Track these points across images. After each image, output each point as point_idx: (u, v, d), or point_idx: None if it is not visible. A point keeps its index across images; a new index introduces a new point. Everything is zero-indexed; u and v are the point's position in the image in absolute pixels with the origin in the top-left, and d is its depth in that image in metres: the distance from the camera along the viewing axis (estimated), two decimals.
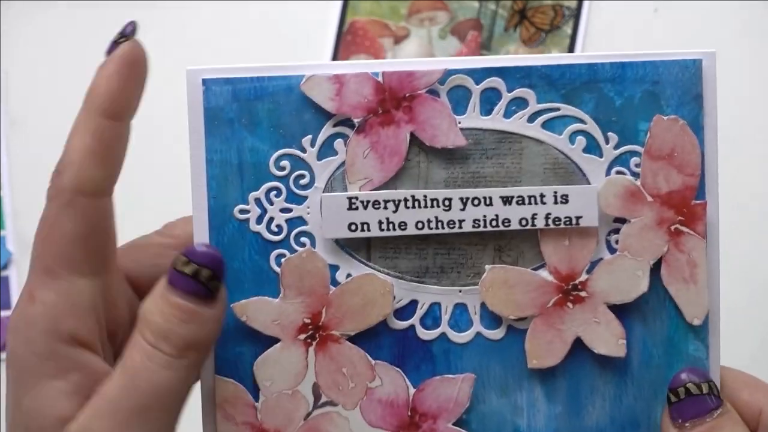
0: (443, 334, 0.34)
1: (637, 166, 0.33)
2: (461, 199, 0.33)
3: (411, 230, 0.33)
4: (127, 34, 0.32)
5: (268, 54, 0.83)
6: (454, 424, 0.34)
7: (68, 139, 0.32)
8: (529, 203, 0.33)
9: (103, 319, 0.33)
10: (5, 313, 0.79)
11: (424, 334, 0.34)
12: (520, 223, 0.33)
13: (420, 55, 0.80)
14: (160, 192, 0.70)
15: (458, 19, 0.81)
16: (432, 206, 0.33)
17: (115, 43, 0.32)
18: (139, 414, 0.30)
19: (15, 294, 0.79)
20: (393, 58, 0.80)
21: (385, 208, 0.33)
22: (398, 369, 0.34)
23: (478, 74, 0.33)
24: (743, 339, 0.71)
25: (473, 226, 0.33)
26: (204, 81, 0.33)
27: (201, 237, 0.34)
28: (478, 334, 0.34)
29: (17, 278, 0.80)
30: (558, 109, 0.33)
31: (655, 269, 0.33)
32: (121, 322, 0.34)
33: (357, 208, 0.33)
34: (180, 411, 0.31)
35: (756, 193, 0.75)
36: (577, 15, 0.80)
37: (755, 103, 0.78)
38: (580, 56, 0.33)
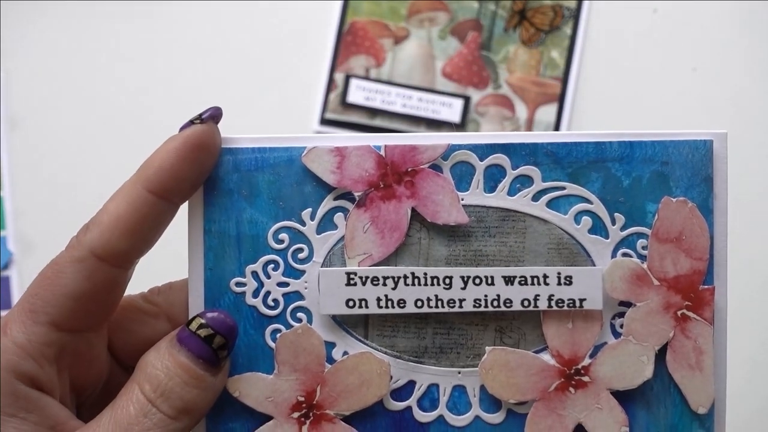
0: (441, 417, 0.35)
1: (644, 248, 0.34)
2: (462, 277, 0.34)
3: (410, 308, 0.34)
4: (204, 117, 0.33)
5: (268, 54, 0.85)
6: None
7: (108, 200, 0.33)
8: (532, 284, 0.34)
9: (68, 371, 0.34)
10: (5, 314, 0.81)
11: (422, 416, 0.35)
12: (522, 304, 0.34)
13: (420, 56, 0.81)
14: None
15: (458, 20, 0.83)
16: (432, 284, 0.34)
17: (190, 122, 0.33)
18: None
19: (15, 294, 0.81)
20: (393, 59, 0.81)
21: (384, 284, 0.34)
22: None
23: (483, 150, 0.34)
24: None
25: (474, 306, 0.34)
26: None
27: (196, 308, 0.35)
28: (477, 417, 0.35)
29: (18, 278, 0.82)
30: (564, 188, 0.34)
31: (661, 355, 0.34)
32: (92, 380, 0.35)
33: (355, 284, 0.34)
34: None
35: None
36: (576, 15, 0.83)
37: (755, 103, 0.79)
38: (587, 134, 0.34)
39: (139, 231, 0.33)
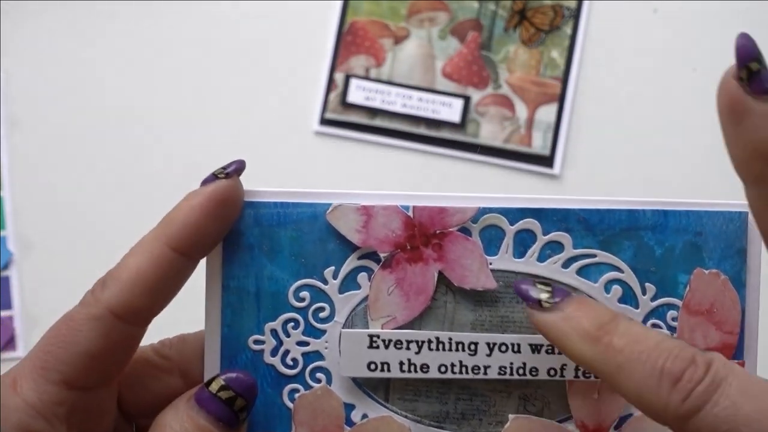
0: None
1: (674, 319, 0.34)
2: (488, 344, 0.34)
3: (434, 374, 0.34)
4: (229, 171, 0.33)
5: (268, 54, 0.85)
6: None
7: (127, 254, 0.32)
8: (559, 353, 0.34)
9: (78, 429, 0.33)
10: (5, 314, 0.81)
11: None
12: (548, 373, 0.34)
13: (420, 56, 0.81)
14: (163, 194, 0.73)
15: (458, 20, 0.84)
16: (457, 350, 0.34)
17: (214, 176, 0.32)
18: None
19: (15, 294, 0.81)
20: (393, 59, 0.81)
21: (408, 348, 0.34)
22: None
23: (513, 214, 0.34)
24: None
25: (499, 373, 0.34)
26: None
27: (212, 366, 0.34)
28: None
29: (17, 278, 0.82)
30: (595, 256, 0.34)
31: None
32: None
33: (378, 347, 0.34)
34: None
35: None
36: (576, 15, 0.83)
37: None
38: (621, 201, 0.34)
39: (160, 289, 0.32)
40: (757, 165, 0.29)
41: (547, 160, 0.82)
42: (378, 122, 0.82)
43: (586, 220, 0.34)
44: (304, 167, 0.83)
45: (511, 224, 0.34)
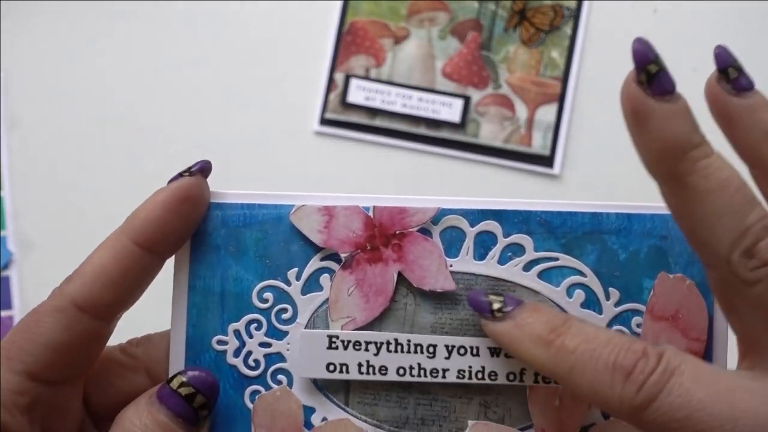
0: None
1: (638, 325, 0.34)
2: (446, 346, 0.34)
3: (392, 376, 0.34)
4: (193, 170, 0.34)
5: (268, 54, 0.86)
6: None
7: (92, 252, 0.34)
8: None
9: (41, 423, 0.34)
10: (5, 313, 0.83)
11: None
12: (507, 377, 0.34)
13: (420, 56, 0.82)
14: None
15: (458, 20, 0.85)
16: (416, 352, 0.34)
17: (179, 175, 0.34)
18: None
19: (15, 294, 0.83)
20: (393, 59, 0.82)
21: (366, 350, 0.34)
22: None
23: (474, 216, 0.34)
24: None
25: (458, 377, 0.34)
26: None
27: (177, 365, 0.35)
28: None
29: (17, 279, 0.83)
30: (557, 259, 0.34)
31: None
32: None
33: (337, 348, 0.34)
34: None
35: None
36: (576, 15, 0.83)
37: None
38: (583, 204, 0.34)
39: (123, 283, 0.33)
40: (664, 163, 0.30)
41: (547, 160, 0.82)
42: (378, 122, 0.83)
43: (547, 222, 0.34)
44: (304, 167, 0.84)
45: (472, 226, 0.34)
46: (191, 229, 0.35)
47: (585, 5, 0.84)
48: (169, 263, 0.36)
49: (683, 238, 0.33)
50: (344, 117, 0.84)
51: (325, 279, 0.35)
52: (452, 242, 0.35)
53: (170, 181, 0.34)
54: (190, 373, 0.33)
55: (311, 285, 0.35)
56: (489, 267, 0.34)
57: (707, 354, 0.33)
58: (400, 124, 0.83)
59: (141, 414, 0.32)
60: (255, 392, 0.35)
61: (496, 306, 0.32)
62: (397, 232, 0.34)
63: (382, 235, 0.34)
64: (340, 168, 0.84)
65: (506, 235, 0.34)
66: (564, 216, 0.34)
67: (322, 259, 0.35)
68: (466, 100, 0.83)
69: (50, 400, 0.34)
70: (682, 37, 0.83)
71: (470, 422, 0.34)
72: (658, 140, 0.29)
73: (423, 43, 0.84)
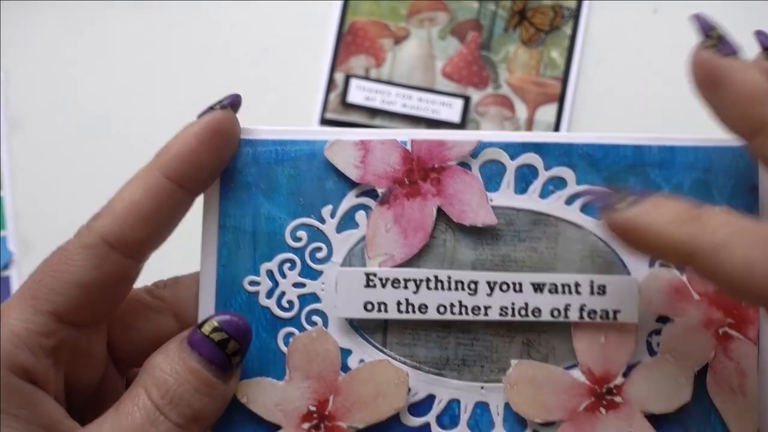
0: None
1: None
2: (488, 283, 0.34)
3: (432, 314, 0.34)
4: (225, 104, 0.34)
5: (268, 54, 0.87)
6: None
7: (121, 187, 0.34)
8: (563, 292, 0.34)
9: (65, 367, 0.33)
10: (6, 301, 0.83)
11: None
12: (551, 313, 0.34)
13: (420, 56, 0.83)
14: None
15: (458, 20, 0.86)
16: (456, 289, 0.34)
17: (210, 109, 0.34)
18: None
19: None
20: (393, 59, 0.83)
21: (405, 287, 0.34)
22: None
23: (514, 149, 0.35)
24: None
25: (500, 314, 0.34)
26: None
27: (206, 307, 0.35)
28: None
29: (18, 278, 0.84)
30: None
31: (700, 377, 0.34)
32: (88, 378, 0.35)
33: (375, 286, 0.34)
34: None
35: None
36: (576, 15, 0.85)
37: None
38: (626, 137, 0.35)
39: (155, 219, 0.33)
40: (751, 115, 0.30)
41: None
42: (378, 122, 0.84)
43: (589, 155, 0.35)
44: None
45: (512, 159, 0.35)
46: (223, 163, 0.35)
47: (585, 5, 0.86)
48: (198, 203, 0.36)
49: (727, 171, 0.34)
50: (344, 117, 0.84)
51: (361, 216, 0.35)
52: (492, 176, 0.35)
53: (200, 115, 0.34)
54: (222, 318, 0.33)
55: (347, 222, 0.35)
56: (531, 201, 0.35)
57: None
58: (400, 124, 0.84)
59: (172, 360, 0.32)
60: (289, 334, 0.35)
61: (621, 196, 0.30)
62: (436, 165, 0.35)
63: (421, 168, 0.35)
64: None
65: (547, 168, 0.35)
66: (606, 149, 0.35)
67: (357, 196, 0.35)
68: (466, 100, 0.83)
69: (75, 343, 0.33)
70: (682, 37, 0.84)
71: (513, 362, 0.34)
72: (741, 93, 0.30)
73: (423, 43, 0.85)
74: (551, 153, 0.35)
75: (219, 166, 0.35)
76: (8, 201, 0.85)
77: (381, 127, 0.83)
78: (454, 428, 0.35)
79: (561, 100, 0.84)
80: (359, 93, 0.84)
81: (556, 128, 0.82)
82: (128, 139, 0.85)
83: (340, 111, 0.84)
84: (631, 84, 0.85)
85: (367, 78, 0.84)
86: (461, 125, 0.82)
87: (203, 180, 0.34)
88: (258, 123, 0.82)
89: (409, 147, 0.35)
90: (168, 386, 0.32)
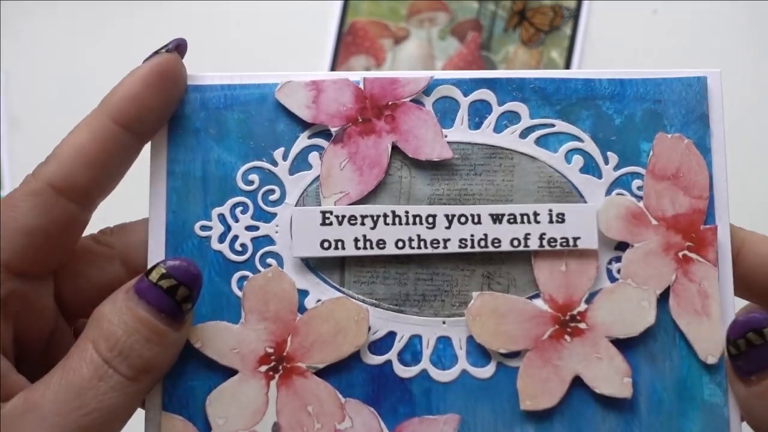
0: (424, 371, 0.34)
1: (639, 188, 0.35)
2: (446, 216, 0.34)
3: (390, 249, 0.34)
4: (170, 47, 0.34)
5: (268, 54, 0.88)
6: None
7: (68, 134, 0.33)
8: (522, 222, 0.34)
9: (13, 319, 0.32)
10: None
11: (403, 371, 0.34)
12: (511, 243, 0.34)
13: (420, 56, 0.84)
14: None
15: (458, 20, 0.87)
16: (414, 223, 0.34)
17: (155, 53, 0.34)
18: None
19: None
20: (393, 60, 0.85)
21: (362, 224, 0.34)
22: (372, 409, 0.34)
23: (467, 85, 0.35)
24: None
25: (460, 247, 0.34)
26: None
27: (156, 254, 0.34)
28: (464, 372, 0.34)
29: None
30: (553, 126, 0.35)
31: (663, 300, 0.34)
32: (37, 331, 0.34)
33: (331, 224, 0.34)
34: None
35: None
36: (576, 16, 0.87)
37: (755, 103, 0.82)
38: (576, 72, 0.35)
39: (102, 164, 0.33)
40: None
41: None
42: None
43: (541, 89, 0.35)
44: None
45: (465, 95, 0.35)
46: (170, 107, 0.34)
47: (584, 5, 0.88)
48: (146, 151, 0.35)
49: (677, 101, 0.35)
50: None
51: (314, 157, 0.35)
52: (446, 113, 0.35)
53: (146, 60, 0.34)
54: (171, 263, 0.32)
55: (299, 164, 0.35)
56: (485, 135, 0.35)
57: (709, 209, 0.34)
58: None
59: (119, 310, 0.31)
60: (243, 278, 0.34)
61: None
62: (390, 103, 0.35)
63: (374, 106, 0.35)
64: None
65: (501, 103, 0.35)
66: (557, 82, 0.35)
67: (310, 137, 0.35)
68: None
69: (24, 295, 0.32)
70: (682, 37, 0.87)
71: (474, 294, 0.34)
72: None
73: (423, 43, 0.87)
74: (504, 88, 0.35)
75: (166, 109, 0.34)
76: None
77: None
78: (416, 365, 0.34)
79: None
80: None
81: None
82: None
83: None
84: None
85: None
86: None
87: (151, 123, 0.34)
88: None
89: (361, 86, 0.35)
90: (116, 338, 0.31)
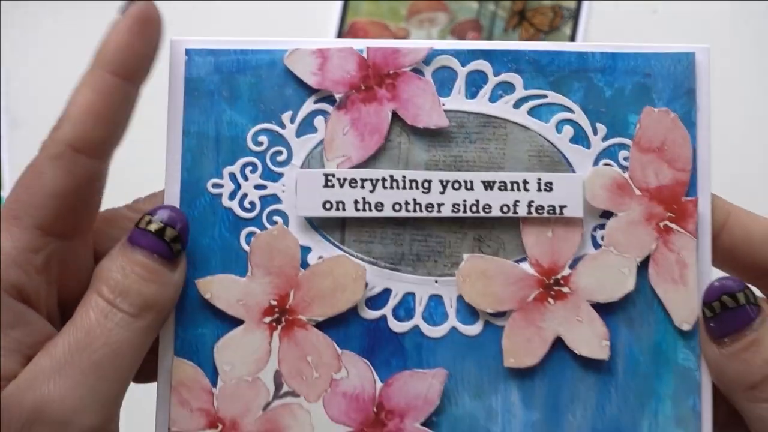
0: (416, 327, 0.37)
1: (625, 159, 0.37)
2: (441, 181, 0.36)
3: (387, 212, 0.36)
4: None
5: None
6: (422, 425, 0.36)
7: (72, 94, 0.35)
8: (512, 189, 0.36)
9: (57, 283, 0.35)
10: None
11: (396, 326, 0.37)
12: (501, 209, 0.36)
13: None
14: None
15: (458, 20, 0.88)
16: (411, 188, 0.36)
17: (129, 2, 0.36)
18: (89, 373, 0.33)
19: None
20: None
21: (362, 187, 0.36)
22: (366, 361, 0.37)
23: (465, 56, 0.37)
24: None
25: (452, 211, 0.36)
26: (187, 51, 0.38)
27: None
28: (453, 328, 0.37)
29: None
30: (545, 96, 0.37)
31: (643, 268, 0.36)
32: (79, 293, 0.36)
33: (333, 186, 0.36)
34: (130, 376, 0.34)
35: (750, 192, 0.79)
36: (576, 16, 0.87)
37: (755, 104, 0.84)
38: (570, 45, 0.37)
39: (112, 116, 0.35)
40: None
41: None
42: None
43: (536, 61, 0.37)
44: None
45: (463, 65, 0.37)
46: (155, 51, 0.36)
47: (584, 6, 0.88)
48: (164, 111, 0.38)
49: (666, 75, 0.36)
50: None
51: (319, 121, 0.37)
52: (444, 82, 0.37)
53: (123, 11, 0.36)
54: (158, 211, 0.35)
55: (305, 127, 0.37)
56: (480, 105, 0.37)
57: (692, 182, 0.36)
58: None
59: (116, 259, 0.35)
60: (251, 233, 0.37)
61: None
62: (391, 71, 0.37)
63: (376, 75, 0.37)
64: None
65: (496, 73, 0.37)
66: (552, 55, 0.37)
67: (316, 102, 0.37)
68: None
69: (63, 257, 0.35)
70: (682, 37, 0.87)
71: (465, 256, 0.37)
72: None
73: None
74: (500, 59, 0.37)
75: (153, 53, 0.36)
76: None
77: None
78: (410, 320, 0.37)
79: None
80: None
81: None
82: (127, 139, 0.87)
83: None
84: None
85: None
86: None
87: (144, 69, 0.36)
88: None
89: (365, 54, 0.37)
90: (116, 281, 0.34)
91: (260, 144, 0.37)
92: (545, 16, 0.87)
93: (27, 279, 0.34)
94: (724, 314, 0.35)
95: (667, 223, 0.36)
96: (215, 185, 0.37)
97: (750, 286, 0.35)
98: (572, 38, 0.86)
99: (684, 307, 0.36)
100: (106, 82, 0.35)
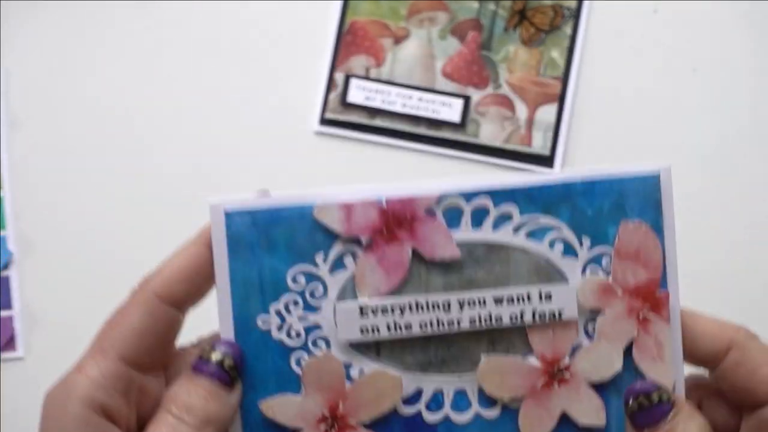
0: (447, 417, 0.45)
1: (608, 264, 0.44)
2: (458, 301, 0.44)
3: (416, 331, 0.44)
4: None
5: (268, 54, 0.92)
6: None
7: (170, 256, 0.43)
8: (518, 302, 0.44)
9: (135, 406, 0.43)
10: (5, 314, 0.88)
11: (430, 418, 0.45)
12: (510, 319, 0.44)
13: (420, 56, 0.89)
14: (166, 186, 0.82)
15: (458, 20, 0.90)
16: (433, 309, 0.44)
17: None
18: None
19: (15, 294, 0.88)
20: (393, 59, 0.90)
21: (392, 312, 0.44)
22: None
23: (469, 196, 0.43)
24: None
25: (470, 325, 0.44)
26: (226, 213, 0.43)
27: None
28: (477, 414, 0.45)
29: (18, 278, 0.89)
30: (538, 220, 0.44)
31: (628, 350, 0.45)
32: (151, 416, 0.44)
33: (367, 315, 0.44)
34: None
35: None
36: (577, 15, 0.89)
37: (754, 103, 0.88)
38: (557, 176, 0.44)
39: (197, 280, 0.43)
40: None
41: (547, 160, 0.89)
42: (378, 122, 0.89)
43: (529, 193, 0.44)
44: (304, 167, 0.90)
45: (467, 202, 0.44)
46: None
47: (585, 5, 0.89)
48: None
49: (636, 193, 0.44)
50: (344, 117, 0.88)
51: (348, 259, 0.44)
52: (453, 217, 0.44)
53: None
54: (215, 343, 0.43)
55: (337, 265, 0.44)
56: (485, 233, 0.44)
57: (663, 278, 0.45)
58: (400, 124, 0.88)
59: (182, 383, 0.42)
60: (299, 358, 0.44)
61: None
62: (408, 216, 0.44)
63: (396, 221, 0.44)
64: (341, 168, 0.90)
65: (496, 206, 0.44)
66: (541, 186, 0.44)
67: (344, 243, 0.44)
68: (466, 100, 0.87)
69: (142, 385, 0.43)
70: (682, 37, 0.89)
71: (483, 356, 0.45)
72: None
73: (423, 43, 0.89)
74: (498, 195, 0.44)
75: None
76: (8, 201, 0.88)
77: (381, 127, 0.88)
78: (440, 411, 0.45)
79: (561, 100, 0.88)
80: (359, 93, 0.87)
81: (557, 128, 0.87)
82: (128, 139, 0.89)
83: (340, 111, 0.88)
84: (631, 84, 0.89)
85: (367, 78, 0.88)
86: (461, 125, 0.87)
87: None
88: (258, 123, 0.89)
89: (384, 205, 0.43)
90: (183, 399, 0.42)
91: (298, 282, 0.44)
92: (546, 15, 0.87)
93: (111, 401, 0.41)
94: (641, 411, 0.44)
95: (645, 313, 0.45)
96: (264, 321, 0.44)
97: (662, 386, 0.44)
98: (573, 38, 0.87)
99: (662, 377, 0.45)
100: (199, 251, 0.43)
